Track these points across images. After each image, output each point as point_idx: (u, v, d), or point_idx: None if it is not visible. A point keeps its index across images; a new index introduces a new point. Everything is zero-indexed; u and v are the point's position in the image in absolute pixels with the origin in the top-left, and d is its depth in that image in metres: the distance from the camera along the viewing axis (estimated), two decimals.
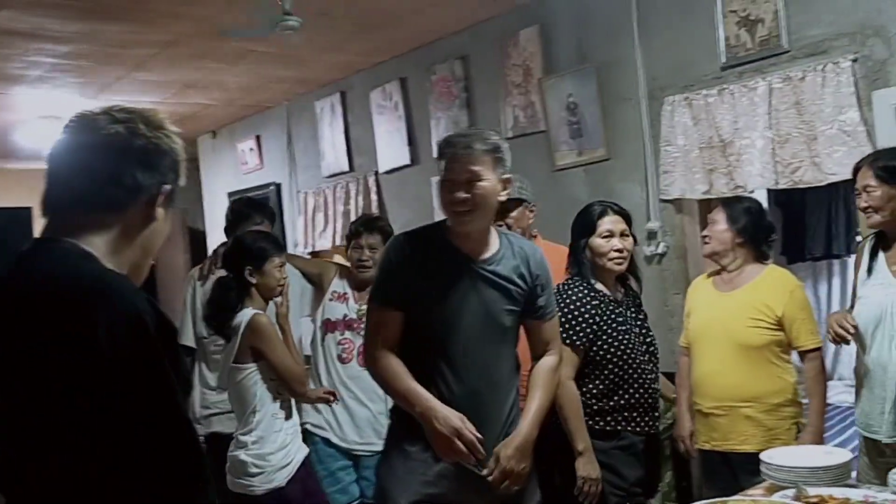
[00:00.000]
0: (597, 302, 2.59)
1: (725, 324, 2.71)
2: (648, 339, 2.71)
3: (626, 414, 2.58)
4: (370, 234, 3.22)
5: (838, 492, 1.88)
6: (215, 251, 3.48)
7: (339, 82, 5.60)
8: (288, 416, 2.73)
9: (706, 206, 3.69)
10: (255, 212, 3.50)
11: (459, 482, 2.10)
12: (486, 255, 2.16)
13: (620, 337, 2.59)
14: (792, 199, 6.06)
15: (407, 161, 5.09)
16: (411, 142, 5.03)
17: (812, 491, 1.88)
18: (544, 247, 3.04)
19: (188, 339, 3.36)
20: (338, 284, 3.31)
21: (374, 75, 5.30)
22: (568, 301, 2.58)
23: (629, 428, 2.59)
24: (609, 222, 2.65)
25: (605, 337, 2.58)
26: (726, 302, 2.75)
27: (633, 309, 2.73)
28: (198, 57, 4.77)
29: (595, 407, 2.56)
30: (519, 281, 2.18)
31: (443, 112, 4.81)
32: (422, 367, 2.11)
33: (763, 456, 2.11)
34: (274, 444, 2.65)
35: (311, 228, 5.94)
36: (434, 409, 2.02)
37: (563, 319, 2.53)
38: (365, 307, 2.80)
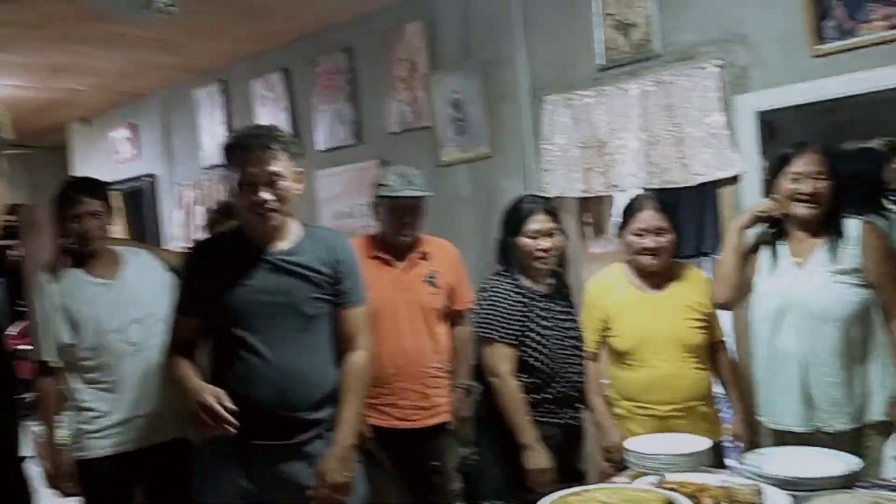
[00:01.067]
0: (524, 299, 2.65)
1: (670, 327, 2.62)
2: (575, 334, 2.73)
3: (549, 407, 2.65)
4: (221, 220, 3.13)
5: (697, 477, 1.95)
6: (59, 245, 2.94)
7: (219, 70, 5.42)
8: None
9: (584, 204, 3.80)
10: (73, 189, 2.79)
11: (275, 479, 2.15)
12: (287, 246, 2.20)
13: (546, 332, 2.65)
14: (665, 200, 6.30)
15: None
16: (295, 134, 4.92)
17: (671, 477, 1.94)
18: (427, 241, 3.05)
19: (49, 353, 2.69)
20: None
21: (256, 65, 5.16)
22: (495, 297, 2.66)
23: (552, 421, 2.65)
24: (537, 222, 2.66)
25: (531, 334, 2.64)
26: (661, 305, 2.66)
27: (561, 302, 2.76)
28: (66, 39, 4.50)
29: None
30: (322, 268, 2.21)
31: (327, 105, 4.73)
32: (233, 364, 2.15)
33: (626, 444, 2.18)
34: None
35: (190, 222, 5.72)
36: (194, 388, 2.10)
37: (491, 316, 2.61)
38: None
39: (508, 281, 2.68)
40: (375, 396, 2.80)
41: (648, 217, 2.64)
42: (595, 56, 3.53)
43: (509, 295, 2.65)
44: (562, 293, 2.81)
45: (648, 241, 2.62)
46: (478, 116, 4.00)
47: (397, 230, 2.96)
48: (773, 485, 1.86)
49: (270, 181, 2.11)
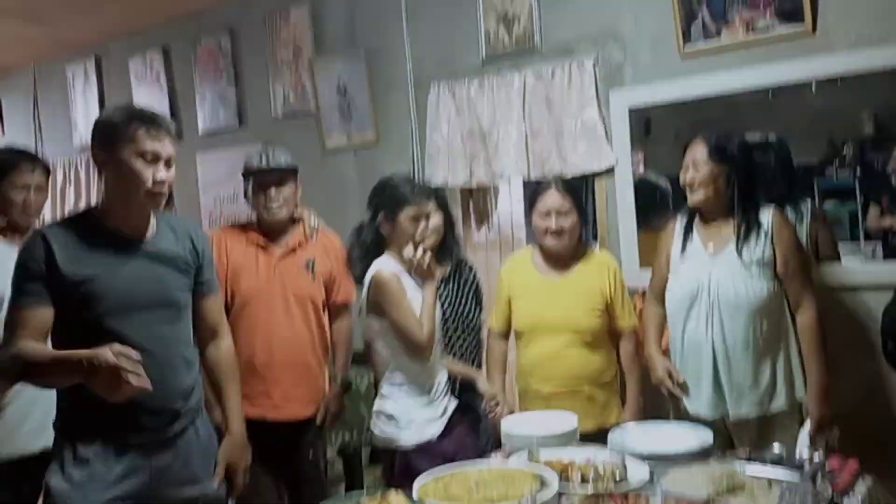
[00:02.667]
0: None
1: (564, 312, 2.70)
2: (454, 317, 2.81)
3: None
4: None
5: (566, 453, 2.04)
6: None
7: (94, 47, 5.17)
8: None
9: (468, 193, 3.86)
10: (23, 159, 2.74)
11: (152, 474, 2.04)
12: (149, 234, 2.11)
13: None
14: (572, 184, 6.47)
15: None
16: (173, 115, 4.76)
17: (543, 454, 2.03)
18: (305, 228, 3.00)
19: None
20: None
21: (133, 43, 4.95)
22: None
23: None
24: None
25: None
26: (559, 289, 2.74)
27: (451, 284, 2.83)
28: None
29: None
30: (187, 256, 2.17)
31: (209, 86, 4.60)
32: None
33: (503, 425, 2.25)
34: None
35: (60, 204, 5.44)
36: (85, 353, 1.77)
37: None
38: None
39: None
40: (247, 386, 2.71)
41: (552, 199, 2.73)
42: (479, 47, 3.59)
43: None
44: (456, 276, 2.87)
45: (551, 223, 2.71)
46: (363, 103, 4.00)
47: (265, 206, 2.87)
48: (635, 458, 1.97)
49: (168, 161, 2.03)
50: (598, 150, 3.28)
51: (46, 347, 1.97)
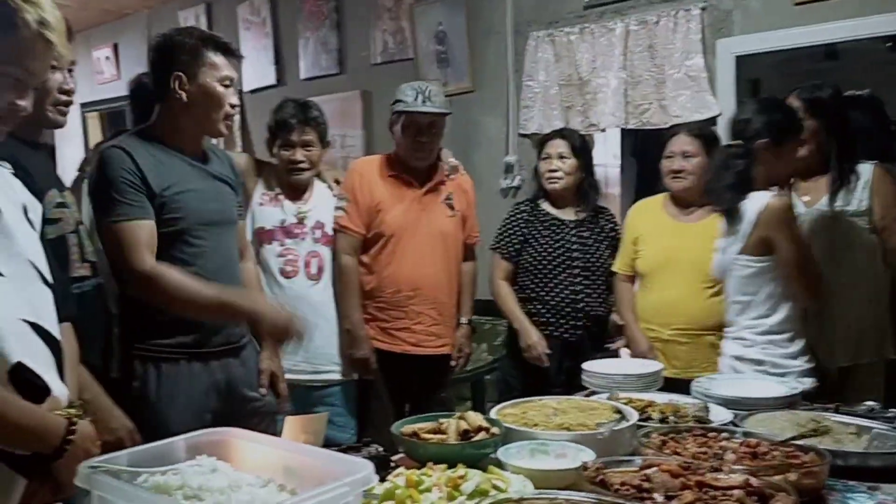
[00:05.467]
0: (528, 217, 2.98)
1: (692, 254, 2.64)
2: (591, 256, 2.93)
3: (546, 318, 2.92)
4: (304, 129, 2.73)
5: (646, 396, 2.03)
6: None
7: None
8: None
9: None
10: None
11: (226, 383, 2.16)
12: (203, 156, 2.20)
13: (541, 249, 2.93)
14: (646, 152, 6.35)
15: (273, 81, 4.96)
16: (278, 61, 4.89)
17: (622, 395, 2.02)
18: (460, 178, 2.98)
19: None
20: (264, 184, 2.81)
21: None
22: (505, 220, 3.05)
23: (546, 331, 2.90)
24: (550, 146, 2.97)
25: (529, 249, 2.95)
26: (687, 232, 2.71)
27: (584, 228, 2.96)
28: None
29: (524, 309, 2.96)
30: (234, 179, 2.27)
31: (312, 32, 4.70)
32: (178, 261, 2.04)
33: (584, 366, 2.25)
34: None
35: None
36: (251, 308, 2.06)
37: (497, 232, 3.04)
38: (305, 209, 2.78)
39: (523, 203, 3.09)
40: (388, 320, 2.80)
41: (679, 141, 2.74)
42: None
43: (514, 215, 3.05)
44: (593, 219, 3.01)
45: (675, 164, 2.72)
46: (461, 50, 3.99)
47: (413, 150, 2.79)
48: (719, 404, 1.94)
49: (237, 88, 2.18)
50: (702, 99, 3.18)
51: (200, 282, 1.99)
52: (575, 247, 2.94)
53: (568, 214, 2.99)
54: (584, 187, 2.98)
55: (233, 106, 2.12)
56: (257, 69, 5.01)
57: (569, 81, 3.58)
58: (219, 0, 5.31)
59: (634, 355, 2.78)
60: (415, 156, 2.82)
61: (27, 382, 1.25)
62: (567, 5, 3.58)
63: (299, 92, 4.72)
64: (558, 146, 2.96)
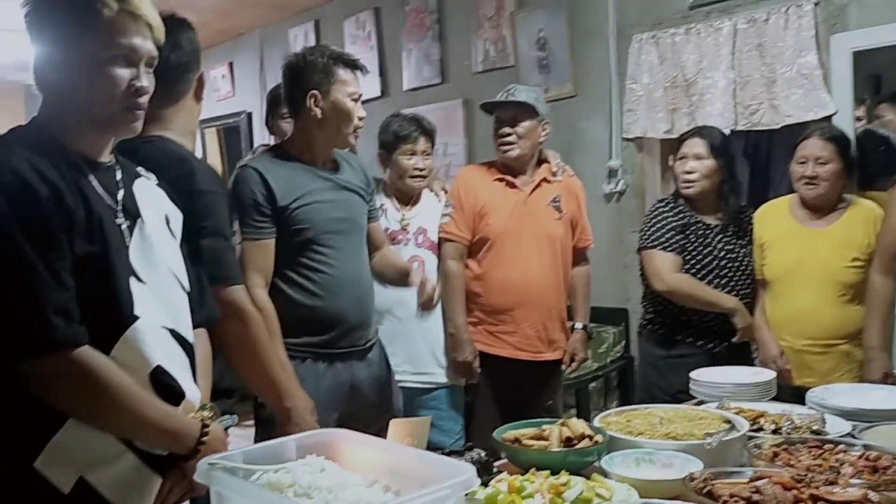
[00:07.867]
0: (679, 214, 2.78)
1: (823, 260, 2.57)
2: (740, 264, 2.74)
3: (692, 329, 2.74)
4: (422, 138, 2.84)
5: (758, 406, 1.96)
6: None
7: (313, 10, 5.53)
8: None
9: (667, 145, 3.74)
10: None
11: (352, 385, 2.26)
12: (335, 168, 2.29)
13: (688, 256, 2.74)
14: (758, 153, 6.14)
15: (377, 93, 5.07)
16: (382, 73, 5.01)
17: (733, 404, 1.96)
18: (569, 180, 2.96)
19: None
20: None
21: (348, 4, 5.25)
22: (656, 215, 2.82)
23: (687, 341, 2.74)
24: (686, 145, 2.79)
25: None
26: (818, 238, 2.61)
27: (728, 233, 2.77)
28: None
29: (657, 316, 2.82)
30: (365, 186, 2.34)
31: (414, 44, 4.78)
32: (312, 279, 2.18)
33: (692, 375, 2.19)
34: None
35: None
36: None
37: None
38: (409, 215, 2.87)
39: (670, 204, 2.86)
40: (494, 324, 2.82)
41: (812, 145, 2.61)
42: None
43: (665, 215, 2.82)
44: (732, 224, 2.81)
45: (808, 170, 2.60)
46: (562, 55, 3.98)
47: (496, 144, 2.83)
48: (836, 414, 1.85)
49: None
50: (816, 98, 3.04)
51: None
52: (722, 254, 2.75)
53: (710, 219, 2.80)
54: (724, 190, 2.78)
55: (360, 119, 2.23)
56: (362, 82, 5.12)
57: (674, 83, 3.50)
58: (326, 17, 5.48)
59: (764, 360, 2.67)
60: (498, 149, 2.85)
61: (165, 385, 1.34)
62: (672, 6, 3.51)
63: (403, 103, 4.84)
64: (695, 145, 2.76)
